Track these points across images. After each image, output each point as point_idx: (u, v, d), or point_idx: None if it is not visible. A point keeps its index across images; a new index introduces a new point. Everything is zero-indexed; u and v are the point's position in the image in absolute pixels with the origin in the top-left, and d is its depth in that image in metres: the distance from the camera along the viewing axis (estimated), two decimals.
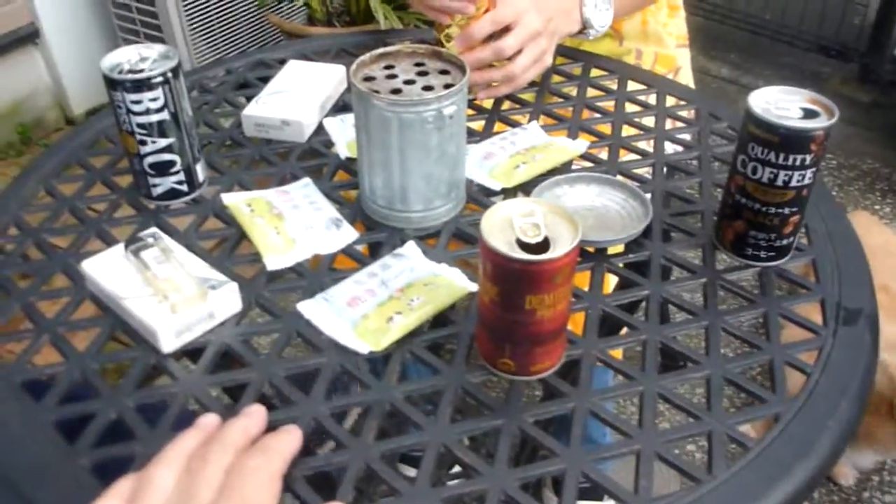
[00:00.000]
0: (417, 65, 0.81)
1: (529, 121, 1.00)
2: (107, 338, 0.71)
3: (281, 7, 2.31)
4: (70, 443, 0.62)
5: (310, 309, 0.71)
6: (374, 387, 0.66)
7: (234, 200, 0.84)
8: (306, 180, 0.88)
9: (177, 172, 0.83)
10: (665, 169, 0.92)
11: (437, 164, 0.78)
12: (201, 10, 2.20)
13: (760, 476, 0.60)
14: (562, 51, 1.17)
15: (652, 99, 1.06)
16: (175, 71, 0.78)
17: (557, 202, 0.83)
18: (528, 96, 1.06)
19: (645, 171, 0.93)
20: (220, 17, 2.27)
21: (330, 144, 0.96)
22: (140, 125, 0.79)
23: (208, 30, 2.25)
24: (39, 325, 0.72)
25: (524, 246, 0.59)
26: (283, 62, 1.12)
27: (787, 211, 0.73)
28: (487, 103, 1.04)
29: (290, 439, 0.59)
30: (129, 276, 0.71)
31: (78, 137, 0.98)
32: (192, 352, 0.69)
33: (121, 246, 0.74)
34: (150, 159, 0.81)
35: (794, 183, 0.71)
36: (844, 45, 2.73)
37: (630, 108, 1.04)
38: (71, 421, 0.64)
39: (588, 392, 0.66)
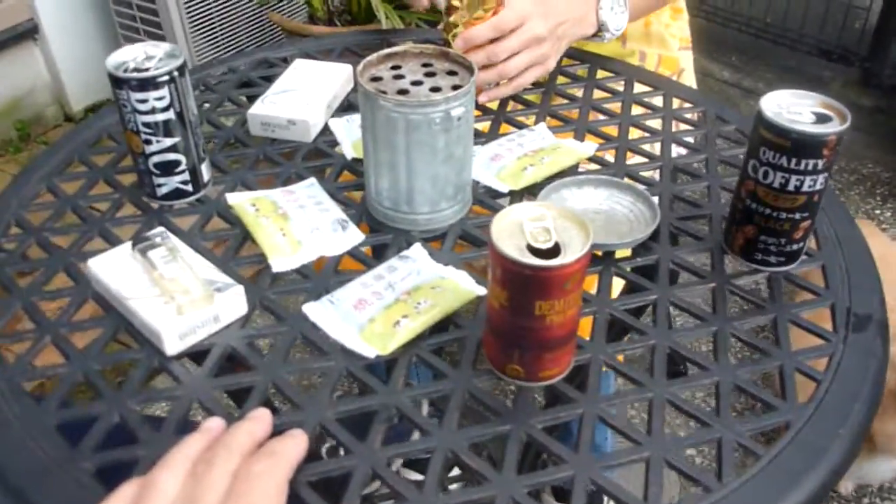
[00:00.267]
0: (425, 65, 0.80)
1: (536, 122, 0.99)
2: (109, 339, 0.70)
3: (282, 5, 2.30)
4: (72, 446, 0.61)
5: (315, 312, 0.70)
6: (380, 391, 0.65)
7: (238, 200, 0.83)
8: (312, 180, 0.87)
9: (182, 172, 0.82)
10: (672, 172, 0.92)
11: (444, 165, 0.77)
12: (202, 7, 2.19)
13: (771, 485, 0.59)
14: (567, 52, 1.17)
15: (658, 101, 1.06)
16: (181, 69, 0.77)
17: (564, 204, 0.83)
18: (533, 97, 1.05)
19: (652, 174, 0.92)
20: (221, 14, 2.26)
21: (335, 144, 0.95)
22: (145, 124, 0.78)
23: (209, 27, 2.24)
24: (41, 325, 0.71)
25: (534, 251, 0.59)
26: (286, 61, 1.12)
27: (798, 216, 0.72)
28: (493, 104, 1.03)
29: (296, 444, 0.58)
30: (135, 275, 0.70)
31: (80, 135, 0.97)
32: (195, 354, 0.69)
33: (127, 245, 0.73)
34: (155, 159, 0.80)
35: (805, 188, 0.70)
36: (846, 49, 2.73)
37: (636, 110, 1.03)
38: (73, 424, 0.63)
39: (596, 398, 0.65)
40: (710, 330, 0.72)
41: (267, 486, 0.53)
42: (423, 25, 2.13)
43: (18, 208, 0.85)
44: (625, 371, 0.67)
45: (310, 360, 0.68)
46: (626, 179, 0.88)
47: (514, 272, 0.58)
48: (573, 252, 0.58)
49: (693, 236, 0.82)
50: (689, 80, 1.34)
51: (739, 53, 2.91)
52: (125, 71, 0.76)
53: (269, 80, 1.06)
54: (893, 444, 1.32)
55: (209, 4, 2.21)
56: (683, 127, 1.00)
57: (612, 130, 0.99)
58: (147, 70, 0.76)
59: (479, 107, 1.02)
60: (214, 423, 0.59)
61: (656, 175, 0.92)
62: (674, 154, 0.95)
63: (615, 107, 1.03)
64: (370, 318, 0.69)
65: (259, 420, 0.60)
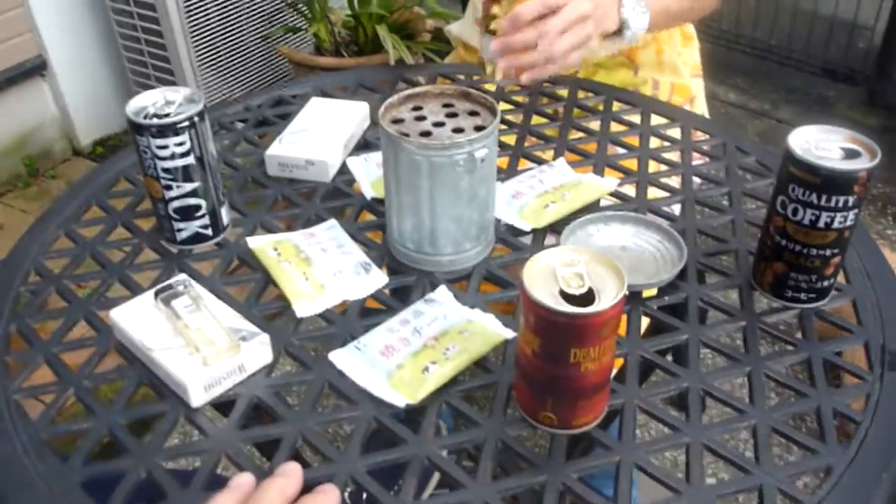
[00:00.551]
0: (446, 105, 0.79)
1: (554, 157, 0.98)
2: (133, 391, 0.69)
3: (287, 37, 2.31)
4: None
5: (342, 359, 0.69)
6: (410, 441, 0.64)
7: (259, 244, 0.82)
8: (332, 222, 0.86)
9: (202, 216, 0.81)
10: (695, 205, 0.91)
11: (468, 206, 0.76)
12: (210, 41, 2.20)
13: None
14: (581, 84, 1.16)
15: (675, 132, 1.05)
16: (201, 114, 0.77)
17: (590, 241, 0.82)
18: (551, 132, 1.05)
19: (673, 208, 0.91)
20: (229, 47, 2.26)
21: (352, 182, 0.94)
22: (165, 170, 0.77)
23: (216, 61, 2.25)
24: (64, 378, 0.70)
25: (567, 297, 0.58)
26: (296, 98, 1.11)
27: (829, 252, 0.71)
28: (510, 139, 1.03)
29: (327, 500, 0.57)
30: (158, 325, 0.69)
31: (97, 178, 0.96)
32: (221, 405, 0.67)
33: (150, 294, 0.72)
34: (175, 204, 0.80)
35: (836, 224, 0.69)
36: (851, 69, 2.73)
37: (654, 142, 1.03)
38: (99, 480, 0.62)
39: (632, 445, 0.64)
40: (743, 370, 0.71)
41: None
42: (433, 56, 2.13)
43: (38, 255, 0.84)
44: (660, 416, 0.66)
45: (338, 410, 0.67)
46: (650, 215, 0.87)
47: (548, 320, 0.57)
48: (608, 298, 0.57)
49: (720, 273, 0.81)
50: (701, 106, 1.33)
51: (745, 75, 2.91)
52: (145, 117, 0.76)
53: (285, 118, 1.05)
54: None
55: (217, 38, 2.22)
56: (703, 158, 1.00)
57: (631, 163, 0.98)
58: (167, 116, 0.76)
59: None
60: (244, 480, 0.58)
61: (677, 209, 0.91)
62: (694, 186, 0.95)
63: (633, 140, 1.03)
64: (398, 364, 0.67)
65: (289, 475, 0.58)
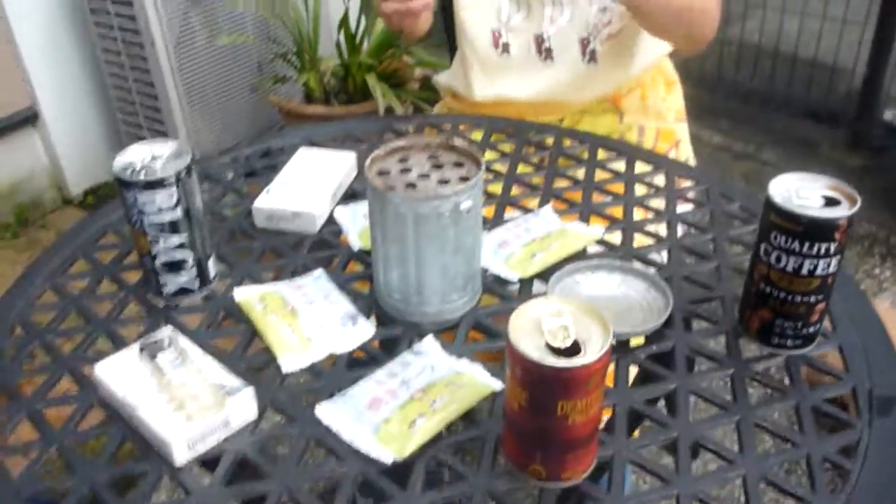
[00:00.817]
0: (431, 157, 0.80)
1: (540, 205, 0.99)
2: (116, 449, 0.68)
3: (277, 87, 2.34)
4: None
5: (328, 413, 0.69)
6: (397, 497, 0.63)
7: (245, 296, 0.82)
8: (319, 272, 0.86)
9: (189, 269, 0.81)
10: (680, 252, 0.91)
11: (454, 257, 0.77)
12: (200, 92, 2.22)
13: None
14: (567, 133, 1.18)
15: (660, 180, 1.06)
16: (188, 169, 0.77)
17: (577, 289, 0.82)
18: (536, 180, 1.06)
19: (658, 255, 0.92)
20: (219, 97, 2.29)
21: (340, 233, 0.94)
22: (152, 224, 0.77)
23: (207, 111, 2.27)
24: (46, 435, 0.69)
25: (553, 349, 0.58)
26: (284, 149, 1.12)
27: (813, 299, 0.71)
28: (496, 188, 1.03)
29: None
30: (142, 381, 0.69)
31: (84, 231, 0.96)
32: (206, 461, 0.66)
33: (134, 348, 0.72)
34: (161, 258, 0.80)
35: (819, 271, 0.70)
36: (833, 110, 2.77)
37: (640, 190, 1.04)
38: None
39: (621, 497, 0.63)
40: (732, 419, 0.70)
41: None
42: (422, 105, 2.16)
43: (23, 310, 0.84)
44: (651, 468, 0.65)
45: (324, 465, 0.66)
46: (637, 264, 0.87)
47: (534, 372, 0.57)
48: (593, 349, 0.57)
49: (707, 319, 0.81)
50: (686, 150, 1.35)
51: (728, 118, 2.95)
52: (132, 173, 0.76)
53: (273, 168, 1.06)
54: None
55: (207, 87, 2.24)
56: (687, 206, 1.01)
57: (617, 211, 0.99)
58: (154, 171, 0.76)
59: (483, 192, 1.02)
60: None
61: (663, 255, 0.92)
62: (679, 233, 0.95)
63: (618, 187, 1.04)
64: (385, 418, 0.67)
65: None
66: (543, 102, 1.27)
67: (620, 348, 0.77)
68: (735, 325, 0.79)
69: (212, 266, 0.84)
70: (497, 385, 0.71)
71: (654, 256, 0.91)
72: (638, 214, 0.98)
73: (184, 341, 0.73)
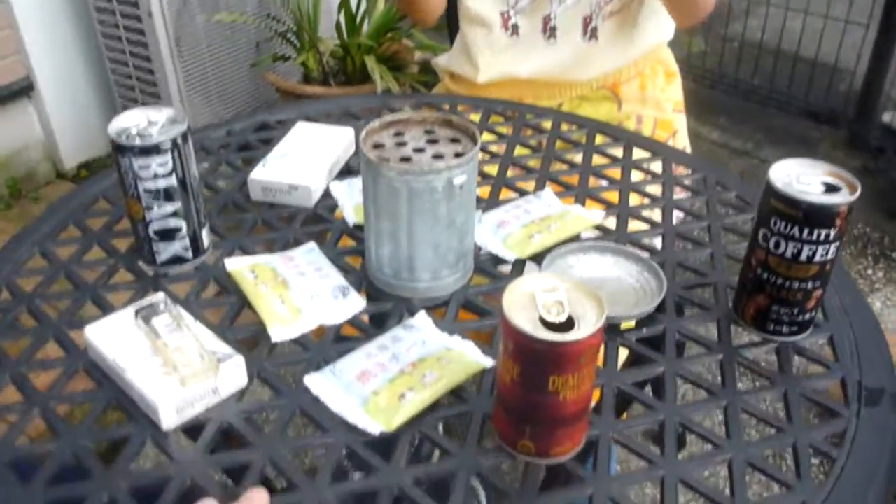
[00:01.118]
0: (427, 132, 0.79)
1: (536, 188, 0.99)
2: (101, 412, 0.67)
3: (276, 66, 2.32)
4: None
5: (317, 383, 0.68)
6: (381, 469, 0.62)
7: (237, 266, 0.81)
8: (311, 245, 0.85)
9: (182, 238, 0.80)
10: (675, 239, 0.91)
11: (446, 233, 0.76)
12: (197, 67, 2.21)
13: None
14: (565, 117, 1.17)
15: (657, 167, 1.06)
16: (184, 136, 0.76)
17: (570, 272, 0.81)
18: (533, 163, 1.05)
19: (653, 241, 0.91)
20: (217, 74, 2.27)
21: (334, 208, 0.94)
22: (147, 191, 0.76)
23: (204, 87, 2.25)
24: (30, 397, 0.68)
25: (547, 324, 0.57)
26: (283, 123, 1.11)
27: (810, 286, 0.71)
28: (492, 170, 1.03)
29: None
30: (133, 344, 0.68)
31: (76, 198, 0.95)
32: (190, 429, 0.66)
33: (128, 311, 0.71)
34: (155, 225, 0.79)
35: (818, 258, 0.69)
36: (832, 111, 2.77)
37: (636, 175, 1.03)
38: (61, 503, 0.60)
39: (607, 478, 0.63)
40: (720, 404, 0.70)
41: None
42: (420, 88, 2.15)
43: (10, 274, 0.83)
44: (636, 448, 0.65)
45: (309, 437, 0.66)
46: (630, 247, 0.87)
47: (527, 346, 0.56)
48: (587, 326, 0.57)
49: (699, 306, 0.81)
50: (683, 140, 1.35)
51: (728, 115, 2.95)
52: (127, 137, 0.75)
53: (268, 142, 1.05)
54: None
55: (205, 64, 2.22)
56: (684, 193, 1.00)
57: (613, 196, 0.98)
58: (150, 136, 0.75)
59: (479, 172, 1.01)
60: None
61: (658, 241, 0.91)
62: (675, 220, 0.95)
63: (615, 172, 1.03)
64: (374, 390, 0.66)
65: (254, 501, 0.57)
66: (543, 83, 1.27)
67: (611, 331, 0.76)
68: (727, 311, 0.79)
69: (205, 236, 0.84)
70: (488, 362, 0.71)
71: (648, 242, 0.90)
72: (634, 200, 0.98)
73: (179, 308, 0.73)
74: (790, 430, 0.68)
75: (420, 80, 2.18)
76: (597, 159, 1.06)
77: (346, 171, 1.01)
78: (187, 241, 0.81)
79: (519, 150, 1.09)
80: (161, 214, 0.79)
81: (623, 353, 0.84)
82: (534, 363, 0.57)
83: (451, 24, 1.41)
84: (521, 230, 0.87)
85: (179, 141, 0.76)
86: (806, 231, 0.68)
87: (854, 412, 0.70)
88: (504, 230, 0.87)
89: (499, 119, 1.17)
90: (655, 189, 1.01)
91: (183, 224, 0.80)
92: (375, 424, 0.64)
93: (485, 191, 0.98)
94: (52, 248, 0.87)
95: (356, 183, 0.95)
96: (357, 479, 0.62)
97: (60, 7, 2.27)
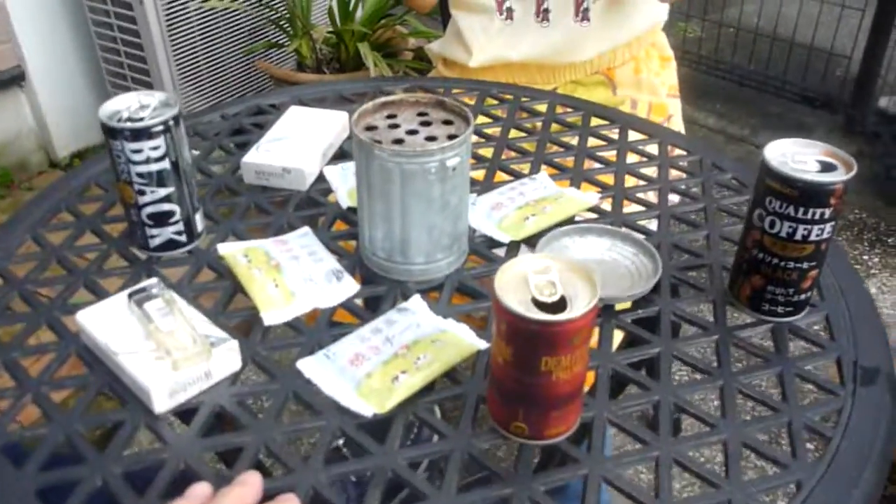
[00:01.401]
0: (420, 114, 0.79)
1: (531, 171, 0.98)
2: (94, 397, 0.67)
3: (269, 53, 2.31)
4: None
5: (310, 367, 0.68)
6: (375, 452, 0.62)
7: (230, 251, 0.81)
8: (305, 229, 0.85)
9: (176, 223, 0.80)
10: (670, 220, 0.91)
11: (440, 215, 0.76)
12: (190, 55, 2.19)
13: None
14: (560, 100, 1.17)
15: (653, 149, 1.05)
16: (176, 119, 0.75)
17: (566, 253, 0.81)
18: (528, 145, 1.05)
19: (649, 223, 0.91)
20: (209, 62, 2.26)
21: (328, 192, 0.93)
22: (139, 175, 0.76)
23: (197, 75, 2.24)
24: (22, 383, 0.68)
25: (540, 305, 0.57)
26: (277, 108, 1.10)
27: (806, 265, 0.71)
28: (487, 152, 1.02)
29: None
30: (126, 328, 0.68)
31: (68, 184, 0.95)
32: (183, 413, 0.66)
33: (121, 296, 0.71)
34: (148, 210, 0.78)
35: (813, 237, 0.69)
36: (829, 96, 2.77)
37: (631, 157, 1.03)
38: (54, 488, 0.60)
39: (601, 458, 0.62)
40: (715, 385, 0.70)
41: None
42: (411, 73, 2.14)
43: (2, 260, 0.82)
44: (630, 429, 0.65)
45: (302, 420, 0.65)
46: (625, 229, 0.87)
47: (519, 327, 0.56)
48: (580, 306, 0.56)
49: (694, 287, 0.81)
50: (678, 125, 1.35)
51: (724, 101, 2.94)
52: (119, 121, 0.75)
53: (262, 127, 1.05)
54: None
55: (198, 52, 2.21)
56: (680, 175, 1.00)
57: (608, 178, 0.98)
58: (142, 120, 0.74)
59: (473, 155, 1.01)
60: (200, 490, 0.56)
61: (653, 224, 0.91)
62: (670, 202, 0.94)
63: (610, 155, 1.03)
64: (367, 373, 0.66)
65: (248, 485, 0.57)
66: (537, 66, 1.27)
67: (606, 312, 0.76)
68: (723, 292, 0.79)
69: (199, 220, 0.83)
70: (482, 344, 0.70)
71: (644, 224, 0.90)
72: (629, 182, 0.97)
73: (172, 292, 0.72)
74: (785, 410, 0.68)
75: (414, 67, 2.17)
76: (592, 142, 1.06)
77: (340, 155, 1.00)
78: (181, 226, 0.81)
79: (514, 133, 1.08)
80: (154, 199, 0.78)
81: (618, 335, 0.84)
82: (526, 344, 0.56)
83: (443, 10, 1.40)
84: (515, 213, 0.87)
85: (171, 124, 0.75)
86: (801, 210, 0.68)
87: (850, 392, 0.70)
88: (499, 213, 0.87)
89: (493, 102, 1.16)
90: (651, 171, 1.00)
91: (176, 209, 0.80)
92: (368, 407, 0.64)
93: (480, 174, 0.98)
94: (44, 234, 0.87)
95: (350, 166, 0.94)
96: (350, 462, 0.62)
97: None
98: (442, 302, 0.77)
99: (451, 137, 0.74)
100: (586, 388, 0.66)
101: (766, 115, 2.88)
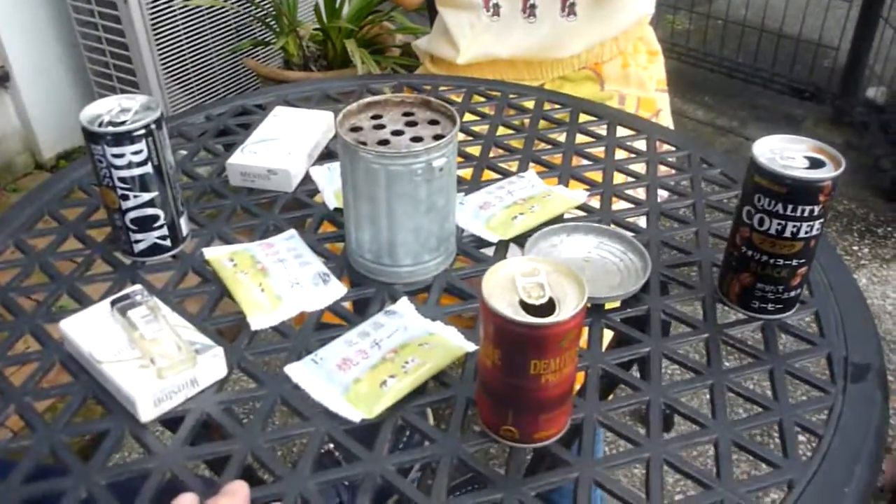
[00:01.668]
0: (406, 114, 0.78)
1: (519, 168, 0.98)
2: (78, 407, 0.66)
3: (256, 51, 2.29)
4: None
5: (298, 372, 0.67)
6: (364, 458, 0.62)
7: (215, 254, 0.80)
8: (291, 232, 0.84)
9: (160, 227, 0.79)
10: (659, 217, 0.90)
11: (426, 216, 0.75)
12: (175, 53, 2.17)
13: None
14: (548, 96, 1.16)
15: (641, 144, 1.05)
16: (158, 122, 0.74)
17: (554, 252, 0.81)
18: (516, 143, 1.04)
19: (637, 219, 0.91)
20: (195, 60, 2.24)
21: (314, 193, 0.92)
22: (122, 179, 0.75)
23: (183, 74, 2.22)
24: (5, 393, 0.67)
25: (528, 307, 0.56)
26: (263, 108, 1.09)
27: (795, 262, 0.71)
28: (475, 150, 1.02)
29: None
30: (110, 337, 0.67)
31: (50, 188, 0.94)
32: (169, 421, 0.65)
33: (103, 304, 0.70)
34: (132, 214, 0.77)
35: (802, 234, 0.69)
36: (817, 87, 2.77)
37: (620, 154, 1.02)
38: (38, 500, 0.59)
39: (591, 460, 0.62)
40: (706, 383, 0.70)
41: None
42: (401, 71, 2.13)
43: None
44: (621, 430, 0.65)
45: (290, 427, 0.65)
46: (614, 226, 0.86)
47: (507, 330, 0.55)
48: (568, 308, 0.56)
49: (684, 284, 0.80)
50: (667, 119, 1.34)
51: (712, 93, 2.94)
52: (100, 125, 0.73)
53: (247, 128, 1.04)
54: None
55: (183, 51, 2.19)
56: (668, 171, 0.99)
57: (596, 175, 0.97)
58: (123, 123, 0.73)
59: (460, 153, 1.00)
60: (187, 501, 0.55)
61: (642, 221, 0.91)
62: (659, 198, 0.94)
63: (598, 151, 1.02)
64: (355, 378, 0.65)
65: (235, 494, 0.56)
66: (524, 62, 1.26)
67: (595, 311, 0.75)
68: (713, 290, 0.78)
69: (184, 224, 0.82)
70: (470, 347, 0.70)
71: (632, 221, 0.89)
72: (618, 179, 0.97)
73: (156, 299, 0.71)
74: (776, 408, 0.68)
75: (401, 64, 2.16)
76: (580, 138, 1.05)
77: (327, 156, 0.99)
78: (165, 230, 0.80)
79: (502, 131, 1.08)
80: (137, 203, 0.77)
81: (608, 334, 0.84)
82: (514, 347, 0.56)
83: (430, 6, 1.39)
84: (503, 212, 0.86)
85: (153, 128, 0.74)
86: (790, 207, 0.67)
87: (840, 388, 0.69)
88: (486, 212, 0.86)
89: (481, 99, 1.16)
90: (640, 167, 1.00)
91: (160, 213, 0.79)
92: (357, 412, 0.63)
93: (467, 173, 0.97)
94: (26, 240, 0.86)
95: (336, 167, 0.93)
96: (340, 468, 0.61)
97: None
98: (430, 303, 0.76)
99: (437, 138, 0.74)
100: (576, 388, 0.66)
101: (754, 107, 2.88)
